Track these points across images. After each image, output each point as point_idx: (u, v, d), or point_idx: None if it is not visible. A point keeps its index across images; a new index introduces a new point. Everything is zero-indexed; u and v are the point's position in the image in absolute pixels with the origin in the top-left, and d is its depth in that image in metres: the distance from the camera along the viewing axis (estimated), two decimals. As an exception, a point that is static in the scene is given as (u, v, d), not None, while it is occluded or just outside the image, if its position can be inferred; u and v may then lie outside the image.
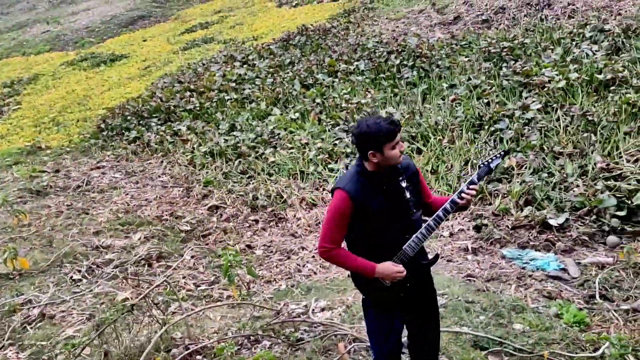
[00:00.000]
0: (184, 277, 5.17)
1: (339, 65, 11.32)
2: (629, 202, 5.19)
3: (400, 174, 2.73)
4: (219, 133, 9.89)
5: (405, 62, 10.56)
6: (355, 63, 11.15)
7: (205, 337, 3.77)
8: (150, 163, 9.69)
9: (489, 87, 8.53)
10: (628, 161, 5.95)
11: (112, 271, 5.28)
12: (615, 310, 4.19)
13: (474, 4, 13.02)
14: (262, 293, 4.73)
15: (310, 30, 15.43)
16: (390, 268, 2.70)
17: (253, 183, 7.83)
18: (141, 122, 11.76)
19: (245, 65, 13.60)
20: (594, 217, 5.34)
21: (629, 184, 5.38)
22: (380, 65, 10.75)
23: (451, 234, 5.71)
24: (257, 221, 6.91)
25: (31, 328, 4.33)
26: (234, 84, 12.27)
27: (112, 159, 10.18)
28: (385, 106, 8.98)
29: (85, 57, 21.19)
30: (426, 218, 2.80)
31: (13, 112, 16.14)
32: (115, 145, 10.98)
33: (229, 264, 3.72)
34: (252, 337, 3.68)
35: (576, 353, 3.51)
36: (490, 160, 2.86)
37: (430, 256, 2.96)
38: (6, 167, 10.58)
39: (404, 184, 2.72)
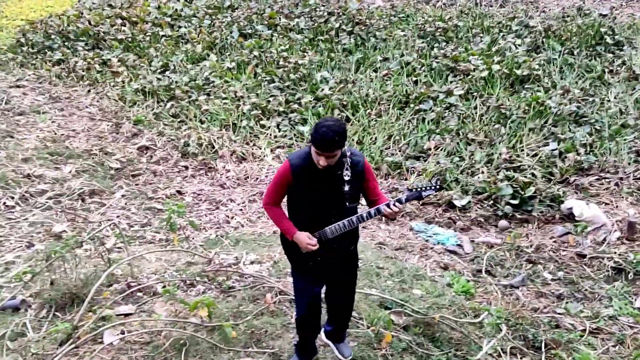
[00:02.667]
0: (117, 217, 5.38)
1: (279, 19, 11.38)
2: (522, 192, 6.00)
3: (344, 167, 3.10)
4: (151, 70, 9.77)
5: (344, 27, 10.84)
6: (296, 20, 11.28)
7: (144, 276, 4.10)
8: (76, 90, 9.42)
9: (419, 67, 9.09)
10: (528, 155, 6.79)
11: (47, 202, 5.37)
12: (496, 284, 4.99)
13: (416, -22, 13.43)
14: (193, 240, 5.08)
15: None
16: (304, 238, 3.11)
17: (185, 130, 7.95)
18: (66, 43, 11.24)
19: (182, 1, 13.23)
20: (492, 202, 6.12)
21: (525, 177, 6.19)
22: (319, 26, 10.96)
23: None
24: (187, 167, 7.13)
25: (-37, 254, 4.43)
26: (169, 19, 11.98)
27: (33, 79, 9.75)
28: (320, 69, 9.30)
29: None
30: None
31: None
32: (37, 64, 10.47)
33: (172, 213, 4.04)
34: (187, 281, 4.06)
35: (460, 318, 4.22)
36: (423, 189, 3.15)
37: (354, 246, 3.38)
38: None
39: (346, 177, 3.12)
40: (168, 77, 9.44)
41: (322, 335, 3.76)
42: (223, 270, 4.16)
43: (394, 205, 3.08)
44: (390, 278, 4.55)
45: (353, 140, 7.38)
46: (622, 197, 6.05)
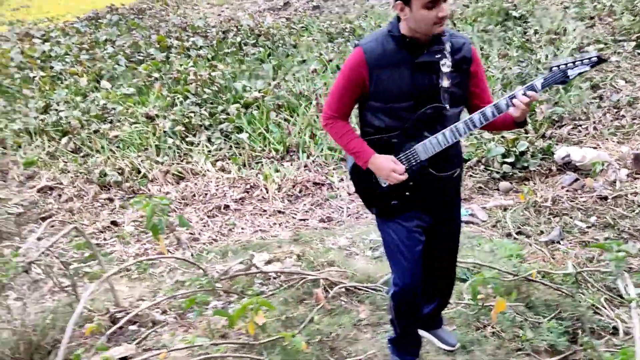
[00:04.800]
0: (46, 255, 3.87)
1: (171, 42, 10.26)
2: (514, 149, 5.44)
3: (442, 52, 2.14)
4: (33, 110, 8.09)
5: (247, 40, 10.02)
6: (191, 39, 10.24)
7: (127, 304, 2.75)
8: None
9: (340, 63, 8.47)
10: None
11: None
12: (536, 243, 4.26)
13: (302, -8, 13.07)
14: (187, 247, 3.75)
15: (123, 9, 13.91)
16: (387, 164, 2.17)
17: (96, 161, 6.47)
18: None
19: (47, 43, 11.58)
20: (483, 167, 5.49)
21: (512, 133, 5.65)
22: (219, 43, 10.02)
23: (349, 193, 5.35)
24: (111, 199, 5.69)
25: None
26: (39, 61, 10.31)
27: None
28: (236, 79, 8.32)
29: None
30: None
31: None
32: None
33: (152, 212, 2.77)
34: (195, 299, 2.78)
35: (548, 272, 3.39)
36: (571, 66, 2.10)
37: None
38: None
39: (445, 68, 2.16)
40: (56, 111, 7.84)
41: (413, 326, 2.69)
42: (243, 274, 2.95)
43: (524, 94, 2.11)
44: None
45: (305, 135, 6.44)
46: (606, 139, 5.73)
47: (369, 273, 3.19)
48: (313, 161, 6.05)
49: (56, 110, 7.93)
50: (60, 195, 5.77)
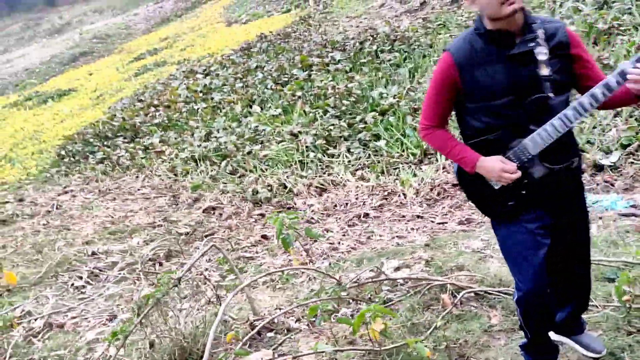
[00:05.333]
0: (206, 270, 4.37)
1: (312, 60, 10.78)
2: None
3: (535, 40, 2.02)
4: (196, 140, 9.11)
5: (382, 47, 10.13)
6: (330, 55, 10.65)
7: (266, 314, 3.01)
8: (124, 180, 8.78)
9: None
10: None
11: (120, 273, 4.43)
12: None
13: (438, -11, 12.82)
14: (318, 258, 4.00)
15: (271, 37, 14.92)
16: (495, 165, 2.06)
17: (249, 180, 7.08)
18: (105, 143, 10.82)
19: (208, 77, 12.90)
20: (645, 151, 4.90)
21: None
22: (356, 54, 10.28)
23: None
24: (263, 215, 6.16)
25: (38, 340, 3.45)
26: (201, 94, 11.54)
27: (80, 182, 9.19)
28: (373, 87, 8.46)
29: (29, 97, 19.90)
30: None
31: (-40, 159, 14.77)
32: (81, 168, 9.98)
33: (282, 226, 3.00)
34: (325, 307, 2.95)
35: None
36: None
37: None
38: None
39: (541, 56, 2.04)
40: (215, 139, 8.73)
41: (550, 332, 2.54)
42: (371, 282, 3.04)
43: (635, 67, 1.90)
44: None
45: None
46: None
47: (501, 276, 3.06)
48: (452, 162, 5.92)
49: (215, 137, 8.81)
50: (221, 214, 6.40)
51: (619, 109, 5.40)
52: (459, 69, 2.06)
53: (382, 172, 6.22)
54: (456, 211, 5.01)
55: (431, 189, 5.43)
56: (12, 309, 3.94)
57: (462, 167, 2.19)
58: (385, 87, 8.49)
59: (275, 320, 2.87)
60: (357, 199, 5.75)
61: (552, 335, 2.48)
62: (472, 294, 2.88)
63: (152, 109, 11.58)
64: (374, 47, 10.19)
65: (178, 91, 12.19)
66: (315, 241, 4.55)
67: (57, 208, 7.77)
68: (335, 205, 5.83)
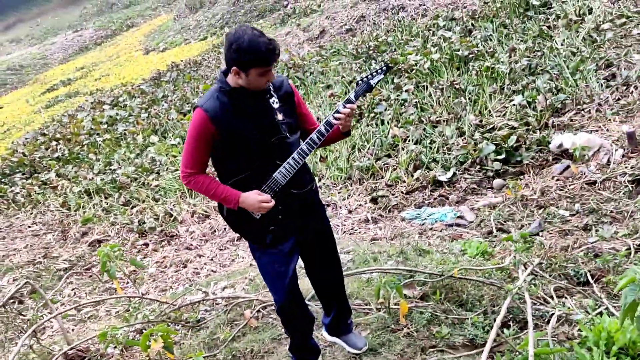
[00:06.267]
0: (62, 304, 4.53)
1: (213, 89, 11.08)
2: (505, 145, 5.40)
3: (269, 93, 2.46)
4: (93, 173, 9.16)
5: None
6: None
7: (88, 343, 3.23)
8: (18, 218, 8.68)
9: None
10: (498, 116, 6.25)
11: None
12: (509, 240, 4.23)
13: (336, 18, 13.50)
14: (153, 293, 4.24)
15: (181, 65, 15.14)
16: (254, 198, 2.42)
17: (137, 211, 7.25)
18: (3, 180, 10.62)
19: (115, 107, 12.94)
20: (478, 167, 5.49)
21: (502, 130, 5.61)
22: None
23: (350, 211, 5.59)
24: (147, 245, 6.36)
25: None
26: (105, 126, 11.58)
27: (-28, 221, 9.00)
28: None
29: None
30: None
31: None
32: (-25, 207, 9.76)
33: (106, 259, 3.26)
34: (144, 330, 3.22)
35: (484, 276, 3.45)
36: (370, 77, 2.59)
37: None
38: None
39: (275, 105, 2.47)
40: (112, 170, 8.83)
41: (324, 334, 2.94)
42: (187, 304, 3.34)
43: (344, 107, 2.45)
44: (390, 258, 3.78)
45: (316, 161, 6.77)
46: (609, 120, 5.49)
47: (309, 287, 3.44)
48: (324, 184, 6.34)
49: (111, 169, 8.91)
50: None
51: (457, 131, 6.04)
52: (214, 123, 2.39)
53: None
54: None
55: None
56: None
57: (225, 205, 2.52)
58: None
59: (91, 348, 3.10)
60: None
61: (326, 335, 2.89)
62: (273, 308, 3.22)
63: (54, 142, 11.49)
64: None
65: (83, 123, 12.17)
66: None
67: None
68: (214, 231, 6.11)
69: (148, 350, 2.61)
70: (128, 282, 5.27)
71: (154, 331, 2.59)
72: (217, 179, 2.53)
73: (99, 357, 3.01)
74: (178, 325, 3.18)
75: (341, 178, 6.33)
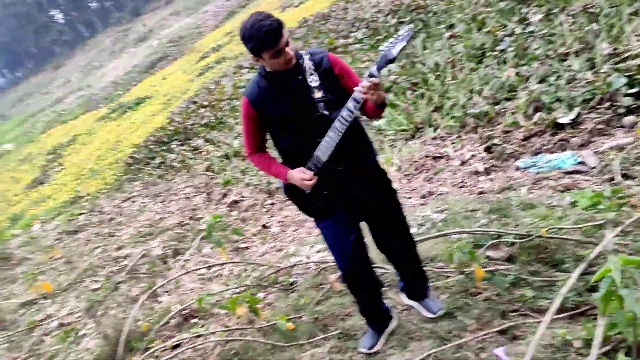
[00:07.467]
0: (195, 265, 5.12)
1: (338, 41, 11.12)
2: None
3: (305, 72, 2.44)
4: (232, 137, 9.90)
5: (402, 20, 10.24)
6: (353, 34, 10.93)
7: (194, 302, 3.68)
8: (175, 182, 9.81)
9: (486, 15, 8.09)
10: (638, 41, 5.41)
11: (128, 276, 5.33)
12: (638, 185, 3.76)
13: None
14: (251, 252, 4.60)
15: (310, 21, 15.34)
16: (297, 175, 2.50)
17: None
18: (163, 148, 11.98)
19: (251, 71, 13.64)
20: (608, 103, 4.87)
21: (638, 59, 4.87)
22: (377, 30, 10.48)
23: (462, 162, 5.37)
24: (273, 204, 6.80)
25: (50, 338, 4.40)
26: (242, 90, 12.32)
27: (140, 188, 10.39)
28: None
29: (114, 108, 21.89)
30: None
31: (56, 173, 16.88)
32: (143, 175, 11.21)
33: (211, 228, 3.61)
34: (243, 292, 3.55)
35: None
36: (390, 45, 2.39)
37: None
38: (50, 219, 11.02)
39: (313, 83, 2.45)
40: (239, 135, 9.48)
41: (402, 297, 2.98)
42: (282, 268, 3.59)
43: (368, 80, 2.32)
44: (485, 216, 3.61)
45: (430, 110, 6.55)
46: None
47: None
48: (438, 135, 6.15)
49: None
50: (241, 208, 7.13)
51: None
52: (255, 107, 2.51)
53: (381, 149, 6.57)
54: (427, 184, 5.31)
55: (410, 165, 5.74)
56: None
57: (279, 179, 2.66)
58: (398, 60, 8.68)
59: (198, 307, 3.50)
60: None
61: (403, 298, 2.93)
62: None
63: (202, 109, 12.56)
64: (394, 21, 10.32)
65: (225, 89, 13.08)
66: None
67: (119, 215, 8.94)
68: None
69: (237, 312, 2.92)
70: (254, 242, 5.74)
71: (238, 298, 2.88)
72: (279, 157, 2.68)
73: (207, 316, 3.41)
74: (274, 288, 3.46)
75: (455, 128, 6.06)
